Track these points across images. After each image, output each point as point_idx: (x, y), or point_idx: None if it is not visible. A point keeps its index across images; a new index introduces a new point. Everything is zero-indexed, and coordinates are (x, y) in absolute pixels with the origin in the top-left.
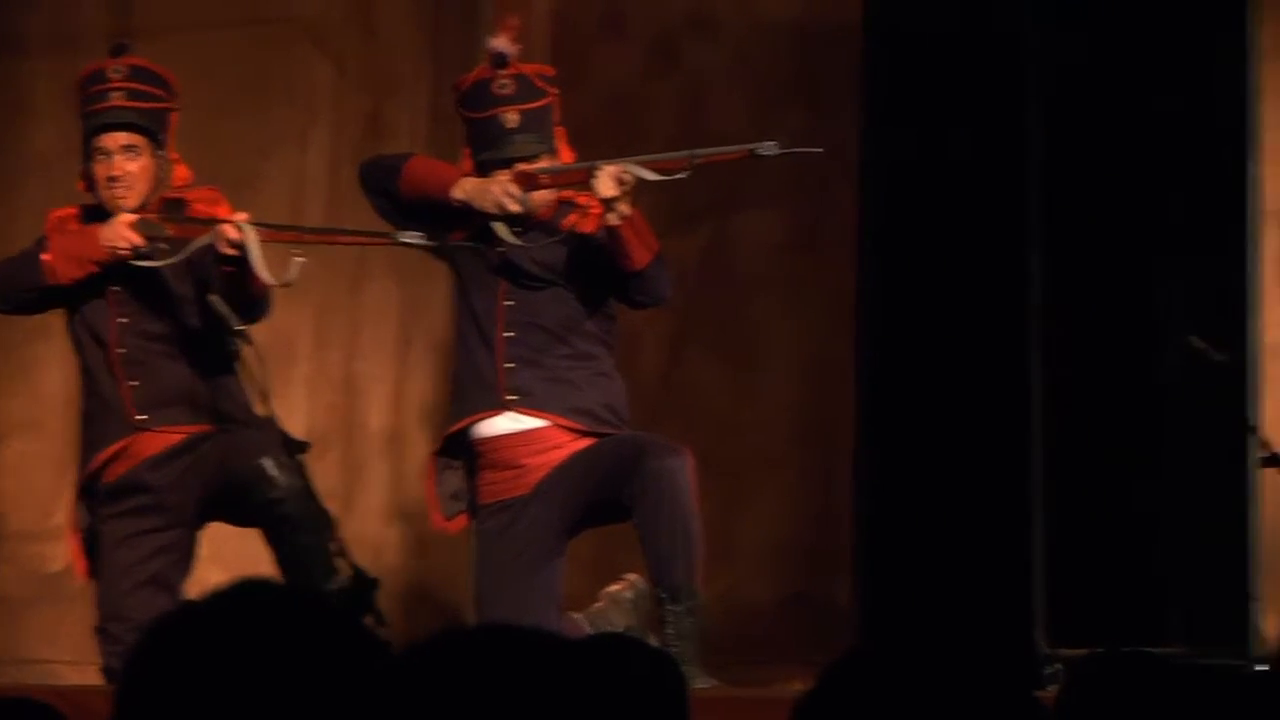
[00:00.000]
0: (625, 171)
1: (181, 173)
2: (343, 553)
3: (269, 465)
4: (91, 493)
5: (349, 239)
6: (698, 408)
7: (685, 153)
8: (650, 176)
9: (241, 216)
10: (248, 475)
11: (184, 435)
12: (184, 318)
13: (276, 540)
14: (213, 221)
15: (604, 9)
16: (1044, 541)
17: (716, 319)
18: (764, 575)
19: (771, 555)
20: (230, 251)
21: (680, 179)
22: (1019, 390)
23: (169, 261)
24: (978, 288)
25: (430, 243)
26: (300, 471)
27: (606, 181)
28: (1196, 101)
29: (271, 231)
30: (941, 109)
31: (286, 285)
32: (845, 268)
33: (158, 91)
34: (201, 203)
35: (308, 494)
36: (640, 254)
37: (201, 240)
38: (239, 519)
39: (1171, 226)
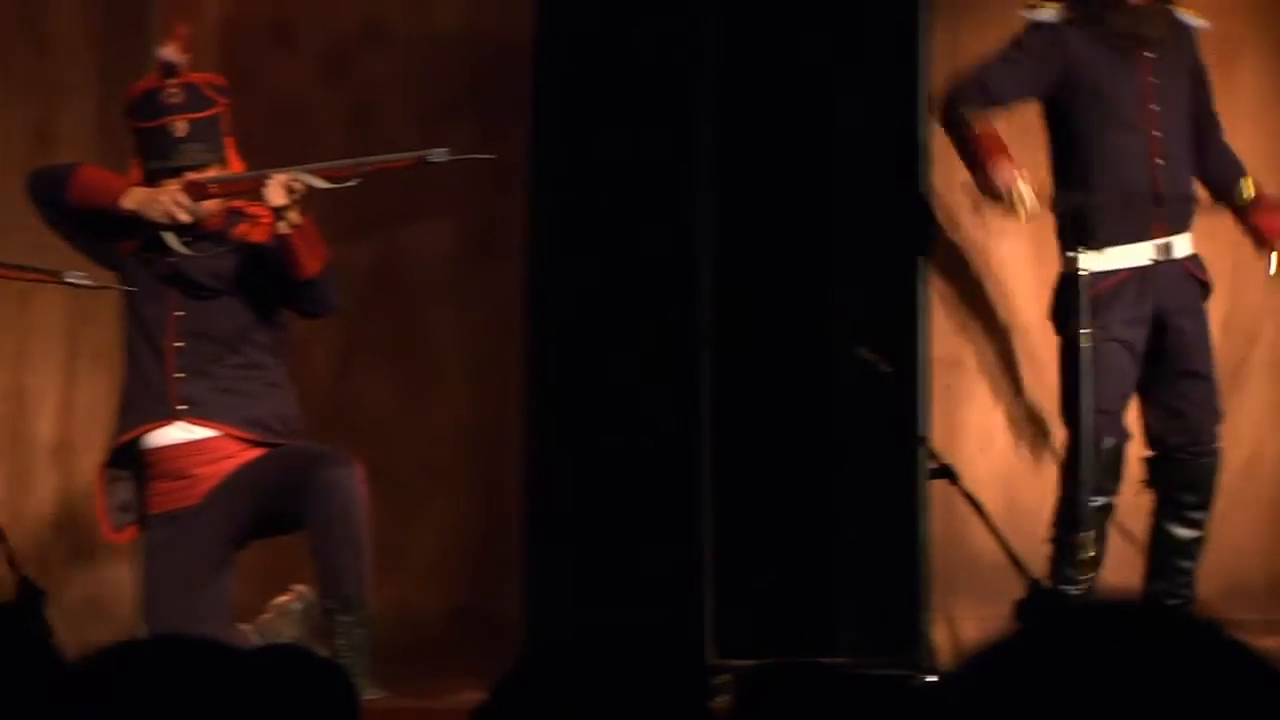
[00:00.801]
0: (296, 180)
1: None
2: (10, 563)
3: None
4: None
5: (13, 274)
6: (368, 418)
7: (356, 160)
8: (321, 184)
9: None
10: None
11: None
12: None
13: None
14: None
15: (275, 18)
16: (714, 551)
17: (387, 329)
18: (434, 586)
19: (441, 566)
20: None
21: (351, 187)
22: (689, 399)
23: None
24: (648, 297)
25: (96, 284)
26: None
27: (277, 190)
28: (870, 111)
29: None
30: (612, 119)
31: None
32: (515, 277)
33: None
34: None
35: None
36: (311, 263)
37: None
38: None
39: (844, 237)
